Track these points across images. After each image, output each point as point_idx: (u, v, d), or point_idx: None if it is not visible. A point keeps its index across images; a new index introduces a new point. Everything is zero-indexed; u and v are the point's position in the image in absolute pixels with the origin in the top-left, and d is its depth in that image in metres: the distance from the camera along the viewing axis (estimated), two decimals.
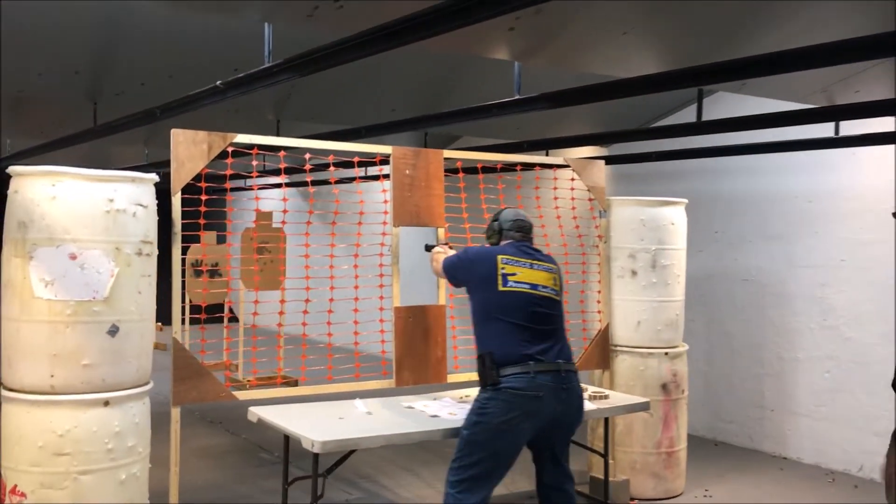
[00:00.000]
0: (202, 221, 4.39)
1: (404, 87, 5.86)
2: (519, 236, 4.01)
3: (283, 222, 4.75)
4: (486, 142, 7.46)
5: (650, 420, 5.27)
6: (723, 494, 5.50)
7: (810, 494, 5.54)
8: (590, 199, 5.51)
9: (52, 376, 3.52)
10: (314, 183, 5.45)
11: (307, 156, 4.62)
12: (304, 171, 4.81)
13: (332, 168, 4.77)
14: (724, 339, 6.88)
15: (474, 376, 3.97)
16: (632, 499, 5.28)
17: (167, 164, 4.15)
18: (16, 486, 3.53)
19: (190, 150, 4.12)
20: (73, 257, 3.52)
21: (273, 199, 6.75)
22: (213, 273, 8.48)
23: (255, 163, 4.48)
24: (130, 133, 6.30)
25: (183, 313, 5.16)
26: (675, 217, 5.48)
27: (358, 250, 4.82)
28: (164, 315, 4.05)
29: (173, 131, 4.10)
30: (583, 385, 4.00)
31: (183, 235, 4.16)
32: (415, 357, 4.73)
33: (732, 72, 3.65)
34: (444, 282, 4.84)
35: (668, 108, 7.06)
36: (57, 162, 3.66)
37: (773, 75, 4.03)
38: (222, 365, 9.33)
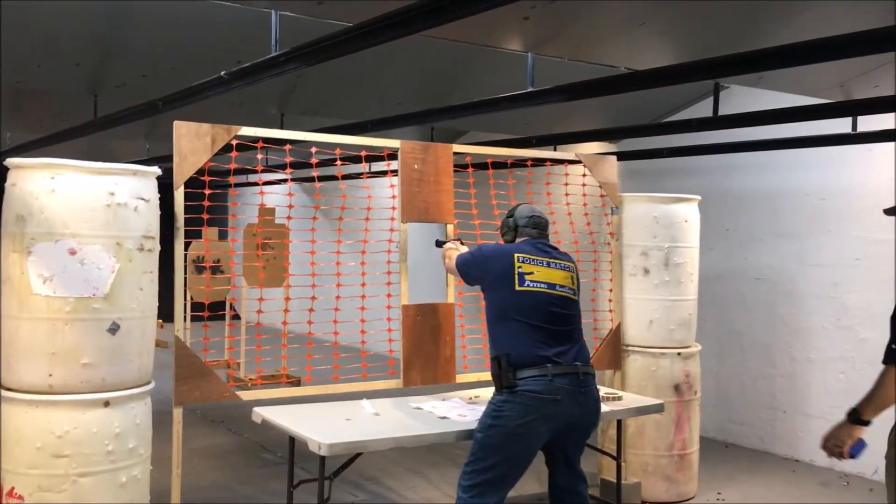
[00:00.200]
0: (205, 217, 4.28)
1: (409, 80, 5.75)
2: (535, 233, 3.89)
3: (289, 217, 4.63)
4: (492, 137, 7.35)
5: (662, 422, 5.16)
6: (735, 497, 5.39)
7: (825, 498, 5.43)
8: (601, 196, 5.40)
9: (51, 376, 3.42)
10: (320, 178, 5.34)
11: (313, 149, 4.51)
12: (310, 166, 4.69)
13: (338, 163, 4.65)
14: (734, 338, 6.77)
15: (484, 376, 3.87)
16: (643, 502, 5.17)
17: (168, 159, 4.05)
18: (13, 488, 3.44)
19: (193, 143, 4.01)
20: (73, 252, 3.41)
21: (278, 195, 6.65)
22: (215, 270, 8.37)
23: (259, 156, 4.36)
24: (131, 127, 6.21)
25: (184, 310, 5.05)
26: (688, 214, 5.37)
27: (365, 247, 4.70)
28: (164, 312, 3.94)
29: (176, 123, 3.99)
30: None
31: (184, 231, 4.05)
32: (423, 356, 4.62)
33: (747, 64, 3.58)
34: (452, 279, 4.73)
35: (677, 105, 6.94)
36: (56, 156, 3.56)
37: (789, 68, 3.95)
38: (224, 363, 9.24)
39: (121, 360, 3.53)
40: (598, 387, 3.87)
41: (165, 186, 3.79)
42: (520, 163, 5.50)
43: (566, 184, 5.39)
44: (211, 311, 4.60)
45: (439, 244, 4.45)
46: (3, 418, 3.50)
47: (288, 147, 4.38)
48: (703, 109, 6.56)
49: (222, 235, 8.97)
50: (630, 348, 5.31)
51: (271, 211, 7.85)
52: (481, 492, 3.54)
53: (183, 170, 3.98)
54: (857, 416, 2.96)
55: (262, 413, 4.06)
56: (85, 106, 5.74)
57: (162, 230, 3.77)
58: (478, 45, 4.75)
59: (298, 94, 5.91)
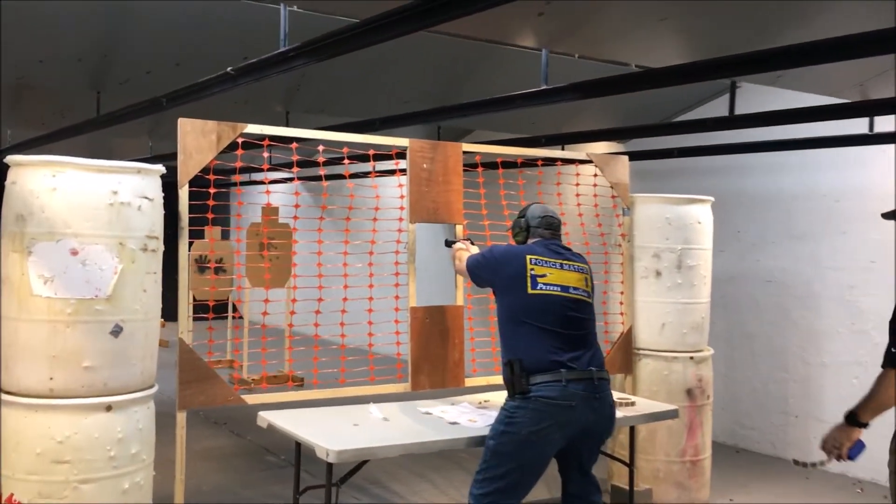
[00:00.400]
0: (210, 216, 4.19)
1: (416, 78, 5.65)
2: (548, 234, 3.79)
3: (296, 217, 4.53)
4: (499, 136, 7.25)
5: (674, 427, 5.06)
6: None
7: None
8: (612, 196, 5.30)
9: (52, 379, 3.32)
10: (327, 177, 5.24)
11: (320, 148, 4.42)
12: (316, 165, 4.60)
13: (346, 161, 4.55)
14: (745, 342, 6.67)
15: (493, 380, 3.77)
16: None
17: (172, 157, 3.96)
18: (12, 494, 3.34)
19: (198, 141, 3.92)
20: (75, 253, 3.31)
21: (283, 194, 6.55)
22: (218, 270, 8.28)
23: (266, 154, 4.26)
24: (134, 124, 6.11)
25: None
26: (701, 216, 5.27)
27: (372, 247, 4.61)
28: (166, 311, 3.85)
29: (181, 121, 3.90)
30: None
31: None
32: (431, 360, 4.52)
33: (762, 62, 3.53)
34: (462, 281, 4.64)
35: (688, 104, 6.85)
36: (57, 154, 3.47)
37: (806, 66, 3.86)
38: (227, 363, 9.15)
39: (123, 363, 3.43)
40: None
41: (169, 185, 3.70)
42: (530, 162, 5.40)
43: (577, 184, 5.29)
44: (214, 312, 4.52)
45: (449, 244, 4.36)
46: (2, 423, 3.40)
47: (294, 145, 4.28)
48: (714, 109, 6.46)
49: (225, 235, 8.87)
50: (642, 352, 5.21)
51: (275, 210, 7.76)
52: (494, 500, 3.44)
53: (188, 168, 3.89)
54: (855, 418, 3.04)
55: (267, 418, 3.96)
56: (87, 103, 5.65)
57: (165, 230, 3.67)
58: (488, 43, 4.67)
59: (303, 92, 5.82)
